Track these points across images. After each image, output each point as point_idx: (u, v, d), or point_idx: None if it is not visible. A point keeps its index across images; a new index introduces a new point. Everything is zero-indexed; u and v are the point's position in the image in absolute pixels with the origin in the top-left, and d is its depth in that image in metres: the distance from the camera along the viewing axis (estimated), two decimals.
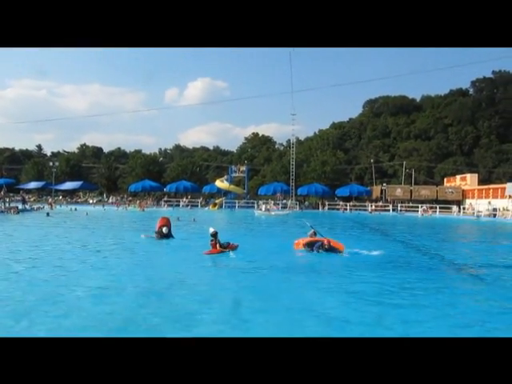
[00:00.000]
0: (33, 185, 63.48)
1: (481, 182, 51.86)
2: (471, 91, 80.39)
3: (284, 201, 49.88)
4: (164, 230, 16.33)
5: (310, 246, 13.55)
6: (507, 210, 36.89)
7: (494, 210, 39.05)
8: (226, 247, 13.34)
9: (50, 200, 49.95)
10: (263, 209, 42.09)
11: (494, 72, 76.73)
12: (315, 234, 14.91)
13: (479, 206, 41.99)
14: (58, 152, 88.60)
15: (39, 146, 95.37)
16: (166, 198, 54.35)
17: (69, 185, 62.48)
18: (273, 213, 39.55)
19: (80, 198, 59.92)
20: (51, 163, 62.17)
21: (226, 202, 50.06)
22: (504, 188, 41.53)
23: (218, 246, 13.14)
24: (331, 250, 13.17)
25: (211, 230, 13.64)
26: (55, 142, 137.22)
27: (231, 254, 13.04)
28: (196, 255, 12.91)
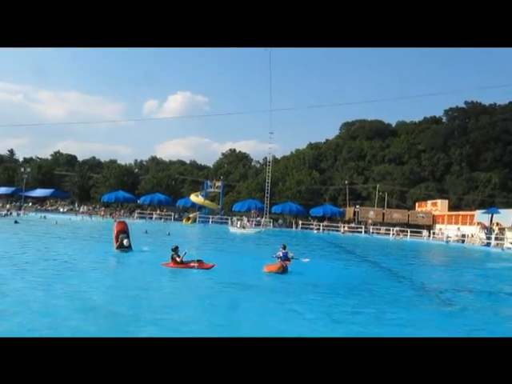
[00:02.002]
0: (2, 190, 61.74)
1: (451, 208, 53.05)
2: (444, 119, 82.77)
3: (258, 218, 49.87)
4: (125, 242, 16.14)
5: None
6: (479, 238, 37.66)
7: (463, 235, 39.90)
8: (191, 264, 13.28)
9: (11, 206, 48.52)
10: (238, 225, 41.90)
11: (466, 102, 79.38)
12: (285, 247, 15.94)
13: (449, 231, 42.84)
14: (31, 158, 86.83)
15: (11, 151, 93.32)
16: (139, 211, 53.68)
17: (40, 192, 61.03)
18: (244, 230, 39.32)
19: (49, 205, 58.61)
20: (23, 169, 60.73)
21: (199, 217, 49.74)
22: (473, 215, 42.55)
23: (177, 260, 13.21)
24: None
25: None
26: (28, 147, 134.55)
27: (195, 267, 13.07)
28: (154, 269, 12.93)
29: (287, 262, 14.95)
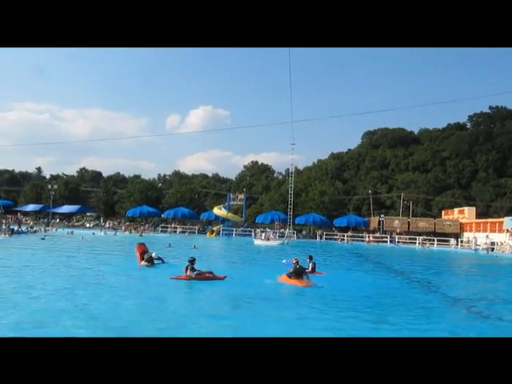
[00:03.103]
0: (31, 207, 63.27)
1: (478, 215, 51.93)
2: (468, 125, 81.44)
3: (281, 230, 49.69)
4: (154, 255, 16.52)
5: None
6: (509, 245, 36.65)
7: (492, 243, 38.95)
8: (203, 276, 13.37)
9: (34, 223, 49.47)
10: (263, 237, 41.78)
11: (491, 107, 78.03)
12: (311, 258, 16.24)
13: (477, 239, 41.89)
14: (58, 175, 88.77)
15: (39, 169, 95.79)
16: (163, 224, 54.18)
17: (67, 208, 62.25)
18: (268, 242, 39.04)
19: (76, 221, 59.77)
20: (50, 186, 62.11)
21: (223, 230, 49.89)
22: (502, 222, 41.56)
23: (189, 272, 13.27)
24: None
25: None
26: (55, 165, 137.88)
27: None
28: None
29: (322, 273, 15.19)
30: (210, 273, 13.59)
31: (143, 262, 16.17)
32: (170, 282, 12.96)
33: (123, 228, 51.43)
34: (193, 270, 13.32)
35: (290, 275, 13.33)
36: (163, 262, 16.88)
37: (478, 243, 40.26)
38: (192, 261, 13.55)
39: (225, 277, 13.63)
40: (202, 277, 13.28)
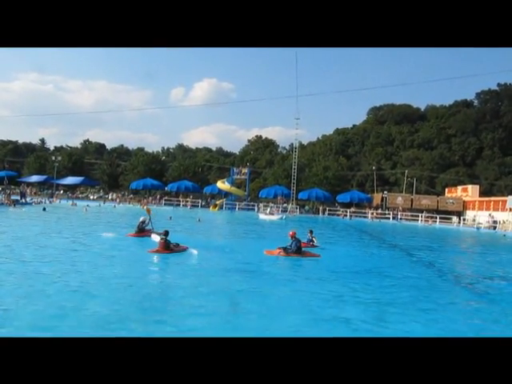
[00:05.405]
0: (34, 178, 63.41)
1: (482, 193, 51.82)
2: (476, 103, 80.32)
3: (284, 205, 49.82)
4: (142, 219, 17.00)
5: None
6: (509, 223, 36.72)
7: (495, 222, 39.01)
8: (174, 248, 13.45)
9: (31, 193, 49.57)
10: (268, 211, 41.90)
11: (499, 84, 76.66)
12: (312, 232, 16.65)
13: (479, 217, 41.94)
14: (61, 147, 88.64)
15: (42, 140, 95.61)
16: (166, 197, 54.31)
17: (70, 180, 62.45)
18: (272, 217, 39.24)
19: (79, 193, 60.05)
20: (54, 157, 62.12)
21: (226, 204, 50.07)
22: (505, 201, 41.50)
23: (165, 245, 13.22)
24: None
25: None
26: (59, 136, 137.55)
27: (194, 252, 13.30)
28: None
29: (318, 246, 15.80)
30: (178, 244, 13.75)
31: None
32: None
33: (118, 200, 52.03)
34: (169, 243, 13.31)
35: (293, 250, 13.59)
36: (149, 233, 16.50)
37: (480, 221, 40.34)
38: (166, 233, 13.49)
39: (187, 247, 13.84)
40: (180, 248, 13.55)
